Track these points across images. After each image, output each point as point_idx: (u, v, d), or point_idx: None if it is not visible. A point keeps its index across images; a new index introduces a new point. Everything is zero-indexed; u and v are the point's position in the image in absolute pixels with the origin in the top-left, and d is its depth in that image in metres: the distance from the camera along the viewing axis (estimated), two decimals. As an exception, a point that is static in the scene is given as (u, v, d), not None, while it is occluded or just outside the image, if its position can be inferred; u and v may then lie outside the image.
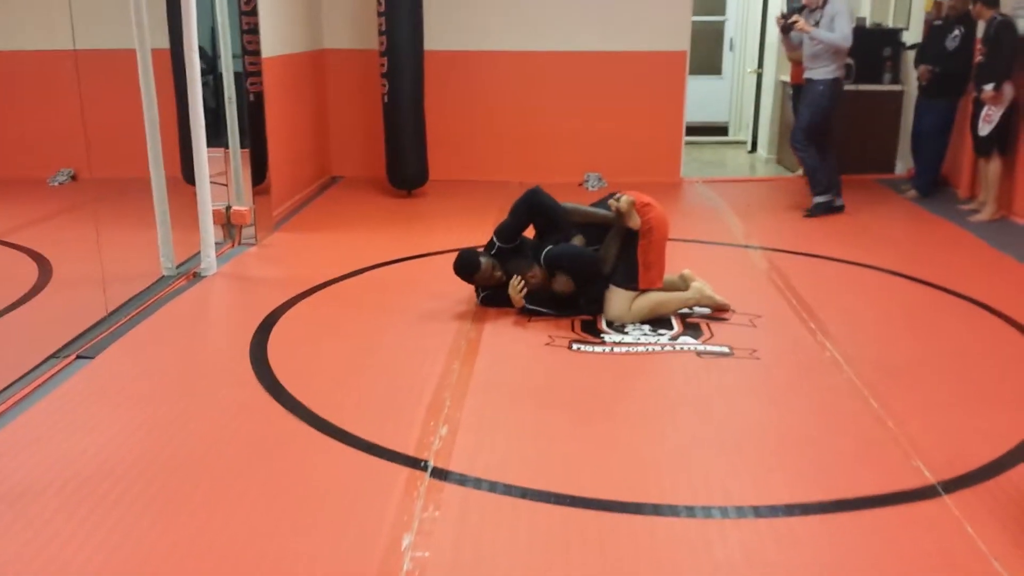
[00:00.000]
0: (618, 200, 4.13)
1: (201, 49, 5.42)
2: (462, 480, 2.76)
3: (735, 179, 8.08)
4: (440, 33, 7.28)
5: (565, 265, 4.19)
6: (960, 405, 3.35)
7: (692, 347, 3.90)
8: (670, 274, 4.39)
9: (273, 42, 6.04)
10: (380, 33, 6.68)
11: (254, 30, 5.54)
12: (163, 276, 4.83)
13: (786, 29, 6.40)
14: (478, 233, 5.33)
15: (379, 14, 6.65)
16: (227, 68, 5.49)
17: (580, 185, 7.40)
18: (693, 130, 9.05)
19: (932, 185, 7.01)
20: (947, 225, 6.16)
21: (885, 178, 7.76)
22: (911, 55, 7.43)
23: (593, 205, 4.36)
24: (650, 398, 3.48)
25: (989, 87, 6.04)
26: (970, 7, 6.33)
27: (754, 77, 9.55)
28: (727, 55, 10.46)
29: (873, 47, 7.80)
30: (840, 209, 6.51)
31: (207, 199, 4.96)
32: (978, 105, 6.23)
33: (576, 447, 3.01)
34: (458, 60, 7.47)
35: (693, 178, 7.86)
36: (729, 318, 4.26)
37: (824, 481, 2.80)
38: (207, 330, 4.39)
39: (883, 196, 7.15)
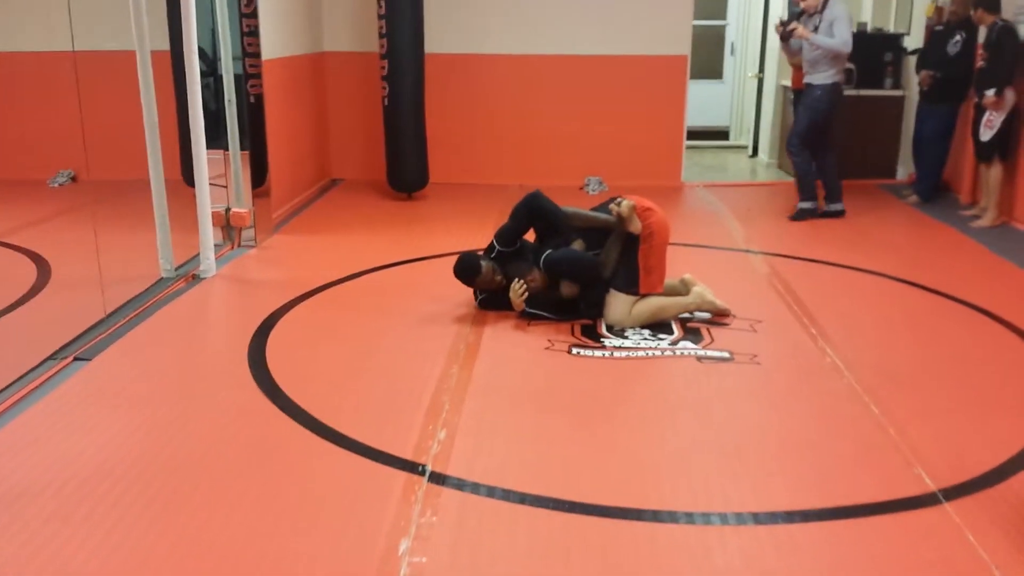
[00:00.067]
0: (619, 204, 4.11)
1: (202, 51, 5.41)
2: (460, 485, 2.75)
3: (736, 183, 8.07)
4: (441, 36, 7.27)
5: (564, 269, 4.18)
6: (961, 411, 3.34)
7: (692, 352, 3.89)
8: (671, 279, 4.38)
9: (273, 44, 6.04)
10: (380, 36, 6.68)
11: (254, 32, 5.53)
12: (162, 278, 4.82)
13: (785, 37, 6.40)
14: (478, 236, 5.33)
15: (380, 17, 6.64)
16: (227, 70, 5.49)
17: (581, 189, 7.39)
18: (694, 134, 9.04)
19: (933, 190, 7.00)
20: (948, 230, 6.15)
21: (886, 183, 7.75)
22: (912, 60, 7.43)
23: (594, 209, 4.35)
24: (650, 403, 3.46)
25: (991, 92, 6.03)
26: (971, 12, 6.33)
27: (755, 81, 9.54)
28: (728, 59, 10.46)
29: (874, 52, 7.79)
30: (841, 214, 6.50)
31: (206, 201, 4.95)
32: (979, 110, 6.22)
33: (576, 452, 3.00)
34: (459, 63, 7.47)
35: (694, 182, 7.85)
36: (730, 323, 4.25)
37: (824, 487, 2.78)
38: (206, 332, 4.38)
39: (884, 201, 7.14)
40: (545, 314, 4.24)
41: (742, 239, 5.91)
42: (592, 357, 3.83)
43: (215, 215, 5.20)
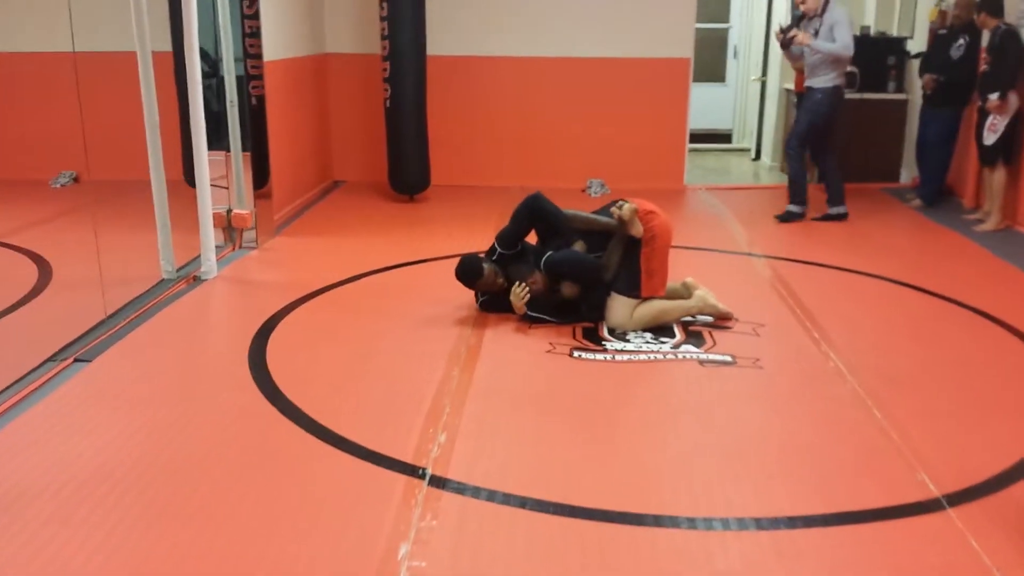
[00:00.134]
0: (620, 207, 4.10)
1: (204, 52, 5.41)
2: (460, 488, 2.73)
3: (739, 187, 8.06)
4: (443, 38, 7.27)
5: (565, 270, 4.16)
6: (964, 416, 3.32)
7: (694, 355, 3.87)
8: (673, 282, 4.36)
9: (275, 45, 6.03)
10: (382, 37, 6.67)
11: (256, 33, 5.52)
12: (163, 279, 4.81)
13: (786, 44, 6.40)
14: (480, 238, 5.32)
15: (381, 18, 6.64)
16: (229, 71, 5.48)
17: (583, 191, 7.38)
18: (697, 137, 9.02)
19: (937, 194, 6.98)
20: (951, 235, 6.13)
21: (890, 187, 7.73)
22: (916, 64, 7.41)
23: (596, 212, 4.34)
24: (651, 407, 3.45)
25: (994, 96, 6.01)
26: (975, 16, 6.32)
27: (758, 85, 9.52)
28: (731, 62, 10.45)
29: (878, 56, 7.78)
30: (844, 217, 6.48)
31: (207, 202, 4.95)
32: (983, 114, 6.20)
33: (576, 455, 2.98)
34: (461, 65, 7.46)
35: (696, 185, 7.84)
36: (732, 327, 4.23)
37: (827, 492, 2.76)
38: (206, 334, 4.37)
39: (887, 205, 7.13)
40: (546, 317, 4.23)
41: (745, 242, 5.90)
42: (593, 360, 3.81)
43: (216, 216, 5.20)
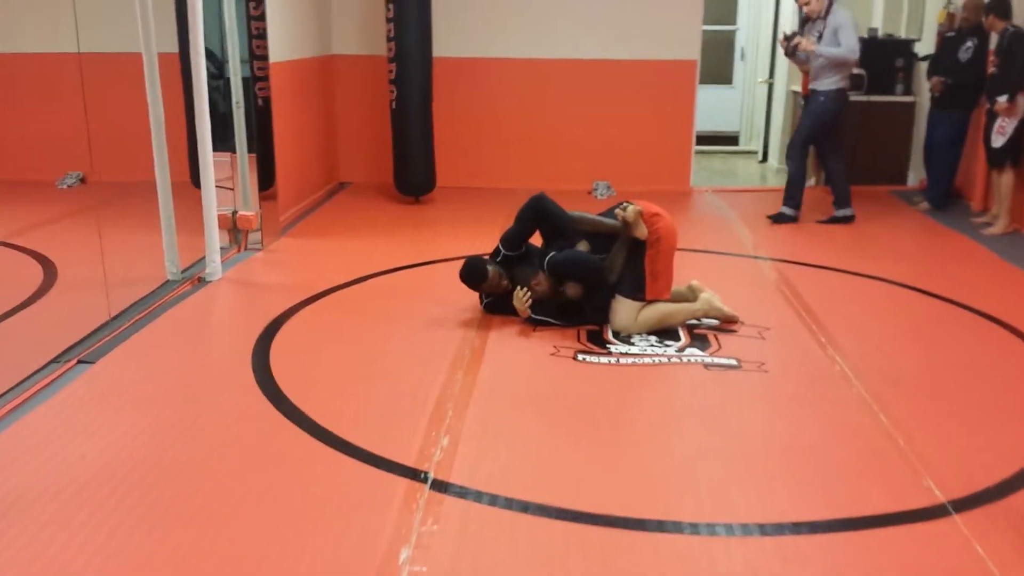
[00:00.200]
0: (624, 209, 4.08)
1: (211, 53, 5.41)
2: (462, 493, 2.72)
3: (745, 189, 8.03)
4: (449, 39, 7.26)
5: (568, 269, 4.15)
6: (971, 421, 3.30)
7: (699, 359, 3.85)
8: (678, 285, 4.34)
9: (282, 47, 6.03)
10: (388, 39, 6.67)
11: (262, 35, 5.53)
12: (168, 280, 4.81)
13: (790, 52, 6.39)
14: (485, 240, 5.29)
15: (388, 20, 6.63)
16: (235, 72, 5.48)
17: (589, 193, 7.36)
18: (704, 139, 9.00)
19: (945, 197, 6.95)
20: (959, 238, 6.09)
21: (897, 189, 7.70)
22: (924, 66, 7.38)
23: (601, 215, 4.32)
24: (656, 410, 3.43)
25: (1002, 99, 5.98)
26: (983, 19, 6.29)
27: (765, 87, 9.50)
28: (738, 64, 10.42)
29: (886, 58, 7.75)
30: (850, 219, 6.45)
31: (212, 204, 4.95)
32: (991, 117, 6.17)
33: (579, 460, 2.97)
34: (467, 67, 7.45)
35: (703, 187, 7.82)
36: (737, 330, 4.21)
37: (831, 498, 2.74)
38: (210, 336, 4.36)
39: (895, 208, 7.09)
40: (551, 320, 4.21)
41: (751, 245, 5.87)
42: (597, 364, 3.80)
43: (221, 218, 5.19)
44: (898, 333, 4.27)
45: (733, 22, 10.34)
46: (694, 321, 4.28)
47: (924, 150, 7.22)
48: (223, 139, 5.38)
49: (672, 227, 4.19)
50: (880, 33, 8.22)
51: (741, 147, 10.27)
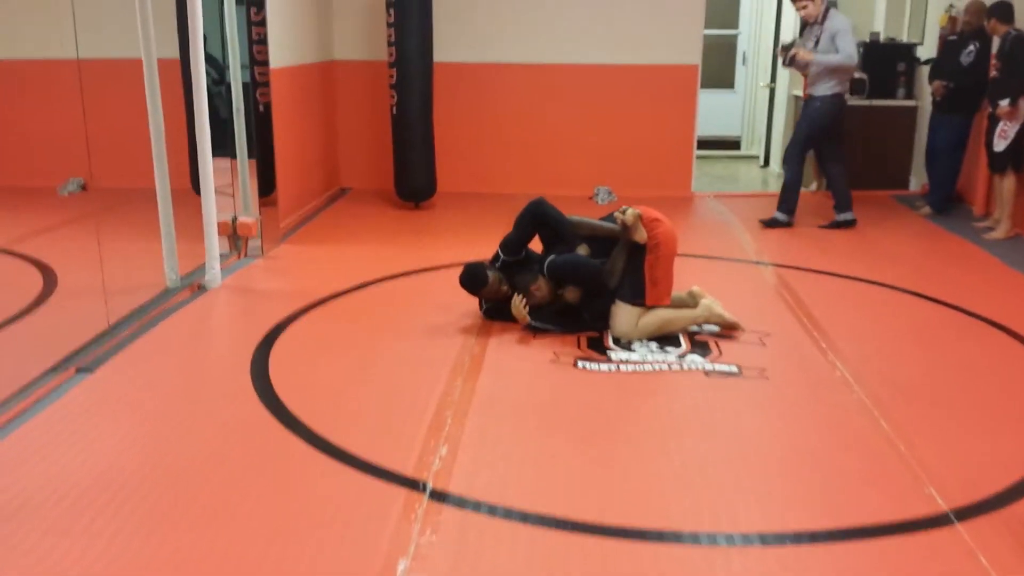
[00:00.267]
0: (624, 213, 4.07)
1: (214, 59, 5.42)
2: (461, 503, 2.70)
3: (747, 194, 8.02)
4: (449, 45, 7.26)
5: (567, 272, 4.14)
6: (974, 428, 3.27)
7: (700, 366, 3.84)
8: (679, 291, 4.33)
9: (282, 52, 6.03)
10: (389, 44, 6.67)
11: (263, 40, 5.52)
12: (167, 288, 4.80)
13: (788, 62, 6.40)
14: (486, 246, 5.27)
15: (388, 25, 6.63)
16: (235, 78, 5.47)
17: (590, 199, 7.35)
18: (705, 144, 8.99)
19: (947, 202, 6.93)
20: (961, 242, 6.07)
21: (899, 194, 7.68)
22: (925, 70, 7.37)
23: (601, 219, 4.31)
24: (656, 419, 3.41)
25: (1004, 103, 5.96)
26: (985, 22, 6.27)
27: (767, 91, 9.49)
28: (740, 69, 10.41)
29: (887, 62, 7.74)
30: (852, 224, 6.44)
31: (212, 210, 4.94)
32: (993, 121, 6.15)
33: (579, 469, 2.95)
34: (467, 72, 7.44)
35: (704, 193, 7.80)
36: (738, 336, 4.19)
37: (833, 507, 2.72)
38: (209, 343, 4.35)
39: (897, 212, 7.07)
40: (551, 326, 4.20)
41: (752, 251, 5.86)
42: (598, 371, 3.78)
43: (221, 225, 5.19)
44: (899, 338, 4.25)
45: (735, 26, 10.33)
46: (695, 327, 4.26)
47: (926, 154, 7.20)
48: (224, 145, 5.38)
49: (672, 233, 4.18)
50: (882, 37, 8.21)
51: (743, 152, 10.26)
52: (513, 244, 4.30)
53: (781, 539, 2.55)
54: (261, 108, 5.64)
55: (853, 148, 7.44)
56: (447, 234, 6.28)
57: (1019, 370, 3.86)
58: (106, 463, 2.94)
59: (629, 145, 7.57)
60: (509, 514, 2.64)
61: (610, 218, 4.22)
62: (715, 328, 4.27)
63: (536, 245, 4.39)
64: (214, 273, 4.90)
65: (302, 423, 3.23)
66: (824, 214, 6.62)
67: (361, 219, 6.74)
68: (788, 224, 6.45)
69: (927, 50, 7.69)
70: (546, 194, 4.58)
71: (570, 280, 4.16)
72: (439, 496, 2.73)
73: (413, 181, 6.93)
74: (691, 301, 4.33)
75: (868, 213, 6.72)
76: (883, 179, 7.75)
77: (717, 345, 4.09)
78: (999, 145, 6.09)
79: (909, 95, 7.79)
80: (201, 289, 4.83)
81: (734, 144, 10.35)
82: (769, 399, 3.56)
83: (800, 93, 7.83)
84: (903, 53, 7.83)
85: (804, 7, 6.17)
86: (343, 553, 2.46)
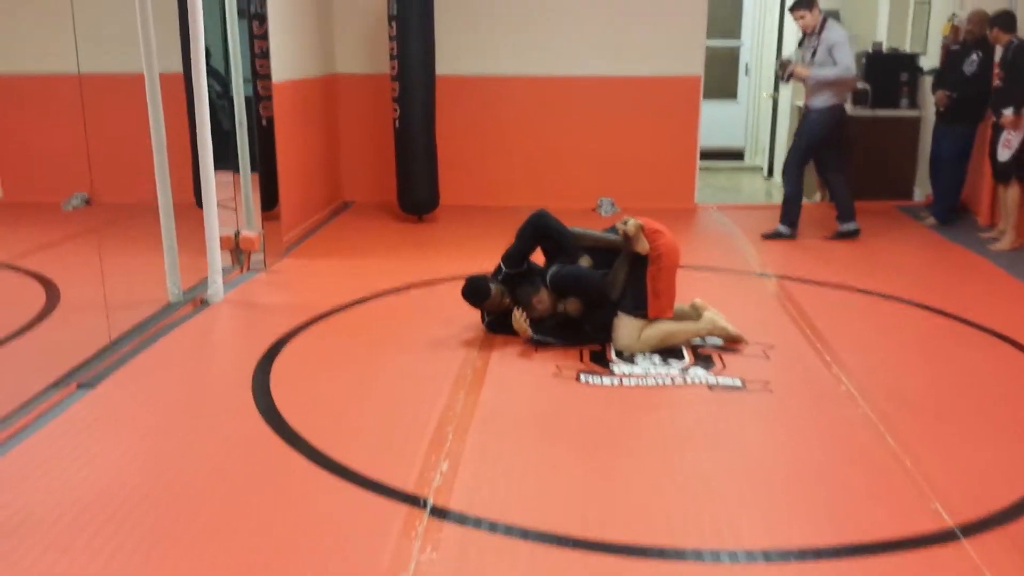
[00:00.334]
0: (625, 224, 4.06)
1: (218, 73, 5.43)
2: (462, 519, 2.68)
3: (751, 205, 8.00)
4: (452, 57, 7.27)
5: (570, 284, 4.12)
6: (980, 442, 3.25)
7: (703, 379, 3.81)
8: (681, 303, 4.31)
9: (285, 66, 6.04)
10: (391, 58, 6.68)
11: (265, 54, 5.53)
12: (170, 303, 4.80)
13: (786, 79, 6.42)
14: (489, 259, 5.26)
15: (390, 39, 6.64)
16: (238, 92, 5.48)
17: (593, 210, 7.34)
18: (709, 155, 8.98)
19: (951, 212, 6.90)
20: (966, 253, 6.04)
21: (903, 204, 7.65)
22: (929, 80, 7.35)
23: (603, 231, 4.30)
24: (659, 433, 3.38)
25: (1008, 112, 5.94)
26: (987, 32, 6.26)
27: (770, 102, 9.48)
28: (743, 79, 10.41)
29: (891, 72, 7.73)
30: (855, 234, 6.42)
31: (214, 225, 4.93)
32: (997, 130, 6.13)
33: (581, 485, 2.93)
34: (469, 85, 7.45)
35: (708, 204, 7.78)
36: (742, 349, 4.17)
37: (837, 523, 2.69)
38: (210, 359, 4.34)
39: (901, 223, 7.05)
40: (553, 340, 4.18)
41: (756, 262, 5.84)
42: (600, 385, 3.76)
43: (224, 239, 5.18)
44: (904, 350, 4.23)
45: (737, 36, 10.33)
46: (698, 340, 4.24)
47: (930, 164, 7.18)
48: (227, 159, 5.39)
49: (674, 245, 4.16)
50: (884, 47, 8.21)
51: (746, 163, 10.24)
52: (515, 256, 4.29)
53: (785, 556, 2.52)
54: (264, 122, 5.65)
55: (857, 158, 7.44)
56: (450, 247, 6.28)
57: (1025, 382, 3.84)
58: (107, 479, 2.93)
59: (632, 157, 7.57)
60: (510, 531, 2.62)
61: (612, 230, 4.21)
62: (718, 341, 4.25)
63: (538, 257, 4.38)
64: (216, 287, 4.89)
65: (303, 439, 3.21)
66: (828, 225, 6.60)
67: (364, 232, 6.73)
68: (791, 236, 6.44)
69: (930, 60, 7.68)
70: (549, 206, 4.57)
71: (573, 292, 4.15)
72: (440, 513, 2.71)
73: (416, 194, 6.93)
74: (694, 314, 4.32)
75: (872, 224, 6.70)
76: (887, 189, 7.72)
77: (721, 358, 4.07)
78: (1003, 155, 6.07)
79: (912, 105, 7.78)
80: (203, 303, 4.83)
81: (737, 155, 10.34)
82: (773, 413, 3.54)
83: (803, 103, 7.83)
84: (906, 63, 7.82)
85: (802, 17, 6.18)
86: (344, 570, 2.44)
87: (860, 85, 7.63)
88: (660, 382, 3.79)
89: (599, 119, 7.54)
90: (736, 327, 4.24)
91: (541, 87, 7.50)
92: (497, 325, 4.31)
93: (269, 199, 5.74)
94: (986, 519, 2.70)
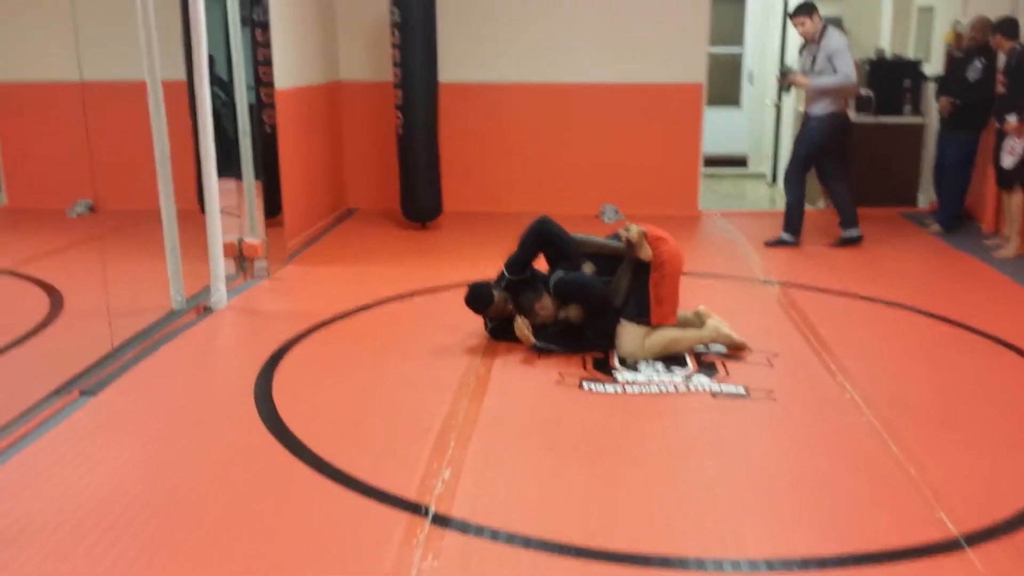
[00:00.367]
0: (628, 230, 4.06)
1: (223, 81, 5.44)
2: (464, 527, 2.67)
3: (754, 212, 7.99)
4: (455, 65, 7.28)
5: (573, 290, 4.12)
6: (984, 450, 3.23)
7: (706, 387, 3.80)
8: (685, 310, 4.30)
9: (288, 74, 6.05)
10: (395, 65, 6.69)
11: (269, 62, 5.54)
12: (173, 310, 4.80)
13: (786, 88, 6.42)
14: (492, 265, 5.26)
15: (394, 46, 6.65)
16: (241, 100, 5.49)
17: (596, 217, 7.34)
18: (712, 162, 8.98)
19: (955, 219, 6.89)
20: (970, 260, 6.03)
21: (907, 211, 7.63)
22: (932, 87, 7.35)
23: (606, 238, 4.30)
24: (662, 441, 3.37)
25: (1012, 118, 5.93)
26: (990, 39, 6.26)
27: (773, 109, 9.47)
28: (746, 86, 10.41)
29: (894, 79, 7.72)
30: (858, 240, 6.41)
31: (217, 232, 4.94)
32: (1001, 137, 6.12)
33: (584, 493, 2.92)
34: (473, 92, 7.46)
35: (711, 211, 7.78)
36: (745, 357, 4.16)
37: (841, 531, 2.68)
38: (213, 366, 4.33)
39: (906, 230, 7.03)
40: (556, 347, 4.17)
41: (760, 269, 5.82)
42: (603, 393, 3.75)
43: (227, 246, 5.19)
44: (908, 358, 4.21)
45: (740, 44, 10.34)
46: (701, 348, 4.23)
47: (934, 171, 7.17)
48: (231, 166, 5.39)
49: (677, 252, 4.16)
50: (888, 54, 8.20)
51: (750, 170, 10.23)
52: (517, 263, 4.29)
53: (788, 565, 2.51)
54: (268, 129, 5.65)
55: (860, 165, 7.43)
56: (453, 254, 6.28)
57: (1030, 390, 3.82)
58: (109, 486, 2.93)
59: (635, 163, 7.56)
60: (512, 539, 2.61)
61: (615, 236, 4.20)
62: (722, 348, 4.24)
63: (542, 264, 4.38)
64: (220, 294, 4.89)
65: (305, 446, 3.21)
66: (831, 232, 6.59)
67: (367, 239, 6.74)
68: (795, 244, 6.43)
69: (933, 67, 7.68)
70: (552, 213, 4.57)
71: (575, 299, 4.14)
72: (441, 520, 2.70)
73: (419, 201, 6.94)
74: (697, 321, 4.31)
75: (876, 231, 6.69)
76: (891, 196, 7.71)
77: (724, 366, 4.05)
78: (1007, 161, 6.06)
79: (916, 112, 7.77)
80: (206, 311, 4.83)
81: (741, 162, 10.33)
82: (777, 420, 3.52)
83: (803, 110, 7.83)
84: (909, 70, 7.81)
85: (802, 23, 6.18)
86: (344, 580, 2.43)
87: (864, 92, 7.63)
88: (663, 389, 3.78)
89: (602, 126, 7.54)
90: (740, 334, 4.23)
91: (544, 94, 7.50)
92: (500, 332, 4.31)
93: (273, 206, 5.74)
94: (991, 528, 2.68)
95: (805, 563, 2.51)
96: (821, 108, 6.21)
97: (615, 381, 3.86)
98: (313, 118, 6.87)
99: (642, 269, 4.11)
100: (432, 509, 2.76)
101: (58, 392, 3.68)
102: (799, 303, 5.01)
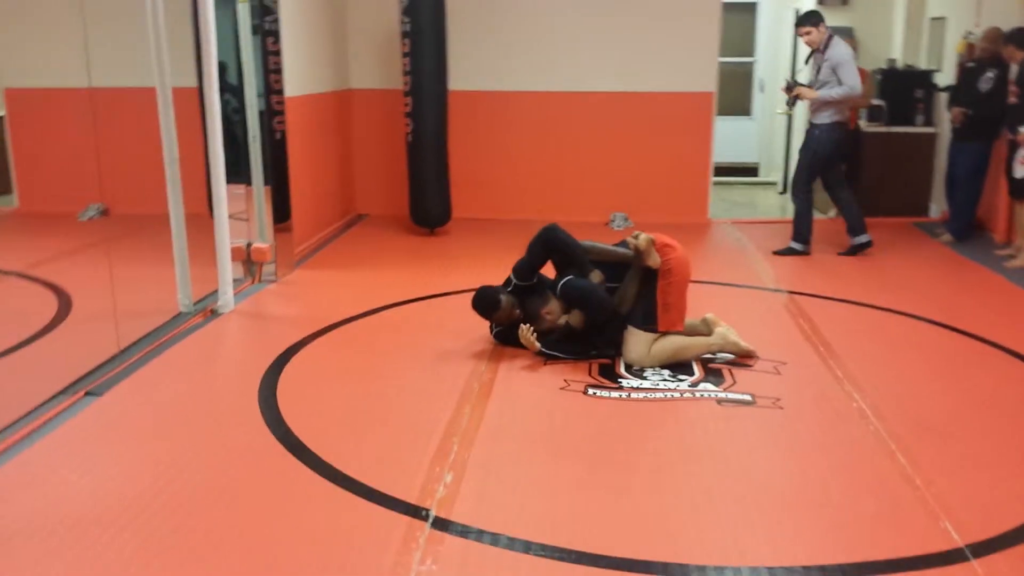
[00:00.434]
0: (636, 237, 4.05)
1: (233, 87, 5.47)
2: (464, 532, 2.66)
3: (765, 220, 7.95)
4: (464, 73, 7.29)
5: (578, 296, 4.10)
6: (991, 462, 3.19)
7: (712, 394, 3.78)
8: (693, 318, 4.29)
9: (298, 81, 6.08)
10: (404, 73, 6.71)
11: (279, 70, 5.57)
12: (180, 313, 4.81)
13: (792, 102, 6.42)
14: (500, 272, 5.24)
15: (404, 55, 6.68)
16: (251, 106, 5.52)
17: (606, 225, 7.33)
18: (723, 171, 8.96)
19: (967, 229, 6.84)
20: (982, 271, 5.98)
21: (919, 221, 7.59)
22: (944, 97, 7.31)
23: (614, 245, 4.29)
24: (665, 448, 3.35)
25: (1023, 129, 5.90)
26: (1002, 49, 6.23)
27: (784, 118, 9.45)
28: (757, 96, 10.39)
29: (905, 89, 7.69)
30: (867, 246, 6.38)
31: (225, 236, 4.96)
32: (1012, 147, 6.08)
33: (585, 499, 2.90)
34: (482, 100, 7.47)
35: (722, 219, 7.75)
36: (753, 365, 4.14)
37: (845, 541, 2.65)
38: (218, 369, 4.34)
39: (917, 240, 6.99)
40: (559, 354, 4.16)
41: (770, 278, 5.80)
42: (608, 399, 3.74)
43: (236, 250, 5.21)
44: (917, 369, 4.18)
45: (751, 54, 10.33)
46: (709, 355, 4.21)
47: (945, 181, 7.13)
48: (242, 171, 5.41)
49: (685, 259, 4.14)
50: (900, 64, 8.17)
51: (761, 178, 10.21)
52: (525, 269, 4.28)
53: (791, 574, 2.48)
54: (277, 135, 5.68)
55: (872, 175, 7.40)
56: (461, 260, 6.28)
57: (1040, 401, 3.78)
58: (112, 486, 2.93)
59: (645, 172, 7.56)
60: (512, 544, 2.60)
61: (623, 244, 4.20)
62: (729, 356, 4.22)
63: (549, 270, 4.37)
64: (227, 298, 4.91)
65: (308, 449, 3.20)
66: (841, 241, 6.55)
67: (376, 245, 6.75)
68: (805, 253, 6.40)
69: (946, 77, 7.64)
70: (562, 220, 4.56)
71: (579, 304, 4.13)
72: (441, 524, 2.69)
73: (428, 207, 6.95)
74: (705, 328, 4.29)
75: (887, 240, 6.65)
76: (903, 206, 7.67)
77: (731, 373, 4.03)
78: (1019, 171, 6.02)
79: (928, 122, 7.73)
80: (213, 314, 4.84)
81: (751, 171, 10.31)
82: (783, 429, 3.50)
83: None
84: (921, 80, 7.78)
85: (808, 33, 6.18)
86: (343, 582, 2.42)
87: (876, 102, 7.60)
88: (669, 396, 3.76)
89: (613, 134, 7.54)
90: (747, 342, 4.21)
91: (554, 102, 7.51)
92: (505, 336, 4.30)
93: (282, 211, 5.76)
94: (996, 539, 2.66)
95: (807, 572, 2.49)
96: (825, 117, 6.20)
97: (620, 388, 3.85)
98: (323, 125, 6.89)
99: (650, 276, 4.10)
100: (433, 513, 2.75)
101: (64, 392, 3.69)
102: (808, 312, 4.98)
